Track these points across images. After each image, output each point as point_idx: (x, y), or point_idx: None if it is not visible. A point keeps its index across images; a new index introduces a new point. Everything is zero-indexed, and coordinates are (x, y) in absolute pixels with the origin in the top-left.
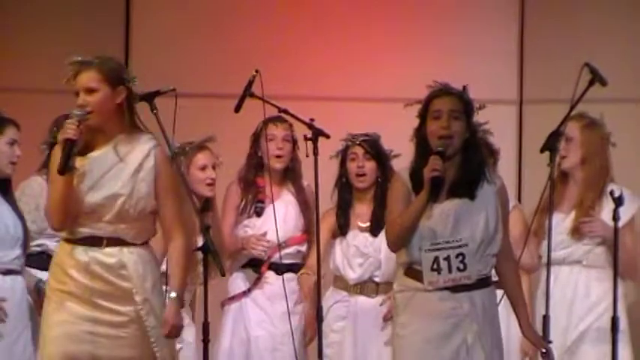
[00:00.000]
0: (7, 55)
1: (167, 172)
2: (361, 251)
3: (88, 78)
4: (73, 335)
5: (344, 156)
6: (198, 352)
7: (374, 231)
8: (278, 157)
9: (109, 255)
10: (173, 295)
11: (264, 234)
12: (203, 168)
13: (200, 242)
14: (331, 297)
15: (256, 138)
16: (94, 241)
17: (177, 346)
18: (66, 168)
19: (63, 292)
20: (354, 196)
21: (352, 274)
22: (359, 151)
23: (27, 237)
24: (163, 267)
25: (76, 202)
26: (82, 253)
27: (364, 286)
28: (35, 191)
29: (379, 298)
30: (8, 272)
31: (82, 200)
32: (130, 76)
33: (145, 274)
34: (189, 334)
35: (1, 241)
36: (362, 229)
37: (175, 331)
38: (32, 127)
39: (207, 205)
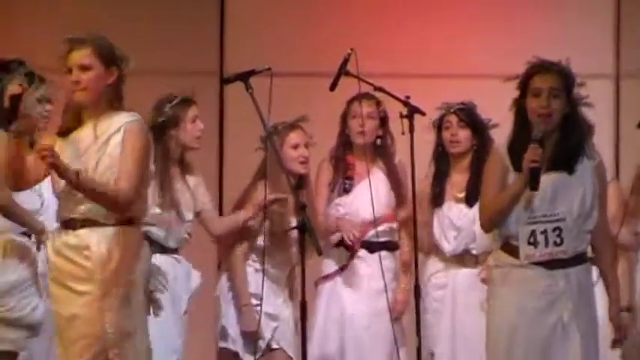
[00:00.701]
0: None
1: (131, 142)
2: (455, 224)
3: (82, 55)
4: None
5: (440, 125)
6: (296, 330)
7: (470, 201)
8: (360, 133)
9: (76, 236)
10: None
11: (360, 224)
12: (295, 146)
13: (294, 222)
14: (432, 266)
15: (344, 116)
16: (69, 224)
17: (273, 324)
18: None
19: (50, 281)
20: (451, 165)
21: (447, 246)
22: (453, 119)
23: None
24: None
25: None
26: (57, 237)
27: (462, 258)
28: None
29: (478, 270)
30: None
31: (58, 182)
32: (123, 58)
33: (110, 255)
34: (285, 311)
35: None
36: (458, 200)
37: (44, 153)
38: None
39: (300, 182)
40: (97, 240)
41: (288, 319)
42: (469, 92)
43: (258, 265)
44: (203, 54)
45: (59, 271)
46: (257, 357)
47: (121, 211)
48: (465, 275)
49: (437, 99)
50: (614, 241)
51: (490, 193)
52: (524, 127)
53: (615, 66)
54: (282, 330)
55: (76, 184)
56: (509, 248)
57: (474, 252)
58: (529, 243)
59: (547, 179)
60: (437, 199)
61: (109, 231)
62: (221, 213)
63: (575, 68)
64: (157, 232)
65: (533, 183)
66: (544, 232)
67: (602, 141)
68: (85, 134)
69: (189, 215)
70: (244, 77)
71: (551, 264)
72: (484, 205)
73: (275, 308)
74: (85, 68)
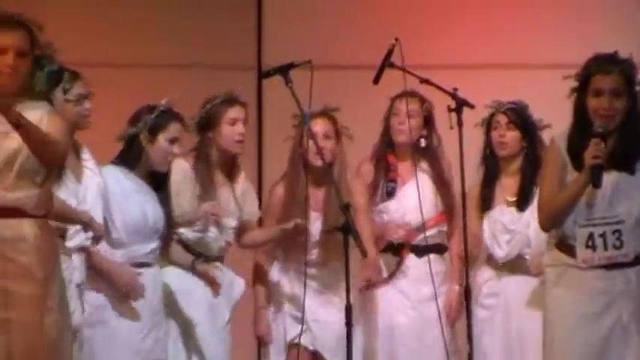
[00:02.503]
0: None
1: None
2: (508, 228)
3: (21, 39)
4: None
5: (489, 124)
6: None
7: (521, 206)
8: (400, 131)
9: (6, 227)
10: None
11: (407, 223)
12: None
13: (317, 218)
14: (483, 274)
15: (387, 115)
16: None
17: (299, 326)
18: None
19: None
20: (501, 167)
21: (500, 252)
22: (502, 119)
23: (169, 229)
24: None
25: None
26: None
27: (515, 264)
28: (178, 176)
29: (531, 277)
30: (141, 265)
31: None
32: (45, 46)
33: (48, 250)
34: (326, 313)
35: (138, 233)
36: (509, 204)
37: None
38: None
39: (320, 177)
40: (34, 232)
41: (331, 324)
42: (521, 83)
43: (284, 264)
44: (241, 48)
45: None
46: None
47: (55, 161)
48: (518, 282)
49: (487, 91)
50: None
51: (549, 188)
52: (583, 123)
53: None
54: (320, 333)
55: (17, 122)
56: (565, 247)
57: (528, 257)
58: (587, 246)
59: (606, 179)
60: (487, 202)
61: (42, 223)
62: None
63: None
64: (194, 240)
65: (595, 180)
66: (602, 235)
67: None
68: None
69: (231, 223)
70: (284, 70)
71: (609, 266)
72: (543, 203)
73: (307, 310)
74: (22, 54)
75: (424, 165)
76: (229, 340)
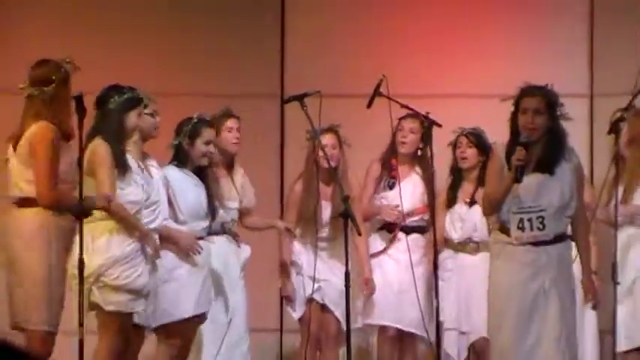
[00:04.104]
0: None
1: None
2: (461, 217)
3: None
4: None
5: (454, 144)
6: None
7: (472, 204)
8: (402, 143)
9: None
10: None
11: (397, 205)
12: (324, 147)
13: (326, 207)
14: (443, 253)
15: (394, 130)
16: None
17: (313, 284)
18: None
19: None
20: (463, 176)
21: (455, 235)
22: (463, 140)
23: (212, 211)
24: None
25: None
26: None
27: (466, 246)
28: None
29: (480, 255)
30: (199, 239)
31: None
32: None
33: None
34: (332, 276)
35: (196, 215)
36: (466, 203)
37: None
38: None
39: (332, 175)
40: None
41: (335, 283)
42: (477, 110)
43: (303, 239)
44: (266, 79)
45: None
46: (295, 309)
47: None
48: (467, 261)
49: (453, 114)
50: (588, 224)
51: (491, 184)
52: (515, 136)
53: (590, 86)
54: (328, 290)
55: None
56: (504, 229)
57: (476, 239)
58: (518, 228)
59: (533, 178)
60: (451, 201)
61: None
62: (282, 219)
63: (558, 89)
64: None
65: (518, 176)
66: (530, 219)
67: (579, 147)
68: None
69: (233, 204)
70: (299, 98)
71: (536, 243)
72: (486, 194)
73: (319, 273)
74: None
75: (418, 169)
76: (243, 290)
